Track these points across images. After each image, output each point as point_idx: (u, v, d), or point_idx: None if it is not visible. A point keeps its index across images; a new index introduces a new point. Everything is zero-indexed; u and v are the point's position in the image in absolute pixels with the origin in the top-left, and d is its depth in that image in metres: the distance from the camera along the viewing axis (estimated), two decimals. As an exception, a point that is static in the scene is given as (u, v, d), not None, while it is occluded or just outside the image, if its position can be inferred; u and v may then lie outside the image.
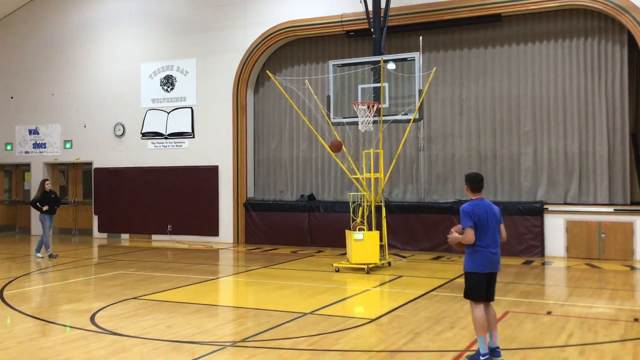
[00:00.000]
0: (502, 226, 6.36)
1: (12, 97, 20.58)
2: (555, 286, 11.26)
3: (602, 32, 14.43)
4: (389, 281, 11.27)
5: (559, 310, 8.72)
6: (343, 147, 12.89)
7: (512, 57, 15.19)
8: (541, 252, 14.09)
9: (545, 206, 14.31)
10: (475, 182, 6.35)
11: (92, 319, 8.16)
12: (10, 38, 20.59)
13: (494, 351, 6.11)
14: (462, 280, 11.23)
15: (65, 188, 20.30)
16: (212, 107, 17.70)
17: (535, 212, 14.19)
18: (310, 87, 14.15)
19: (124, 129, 18.87)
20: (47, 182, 14.57)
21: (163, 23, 18.39)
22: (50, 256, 14.24)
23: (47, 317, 8.33)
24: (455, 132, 15.64)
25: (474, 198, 6.31)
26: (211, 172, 17.63)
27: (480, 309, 6.18)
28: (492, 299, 6.35)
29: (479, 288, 6.21)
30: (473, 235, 6.12)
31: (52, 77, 19.87)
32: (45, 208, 14.19)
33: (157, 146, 18.43)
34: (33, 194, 20.02)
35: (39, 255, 14.34)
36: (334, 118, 13.40)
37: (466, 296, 6.35)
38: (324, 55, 16.79)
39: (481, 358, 6.01)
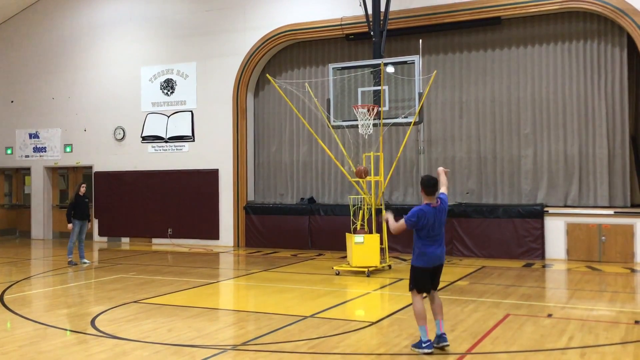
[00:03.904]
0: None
1: (12, 101, 20.59)
2: (555, 289, 11.26)
3: (602, 34, 14.44)
4: (390, 284, 11.26)
5: (559, 312, 8.71)
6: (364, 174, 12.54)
7: (511, 60, 15.21)
8: (541, 255, 14.09)
9: (546, 209, 14.31)
10: (428, 185, 6.70)
11: (92, 322, 8.15)
12: (11, 42, 20.62)
13: (440, 337, 6.59)
14: (462, 283, 11.28)
15: (65, 192, 20.31)
16: (212, 110, 17.71)
17: (536, 214, 14.18)
18: (310, 91, 14.16)
19: (124, 132, 18.88)
20: (82, 186, 14.01)
21: (163, 27, 18.42)
22: (70, 263, 13.74)
23: (48, 321, 8.33)
24: (455, 135, 15.65)
25: (426, 202, 6.71)
26: (211, 176, 17.63)
27: (420, 300, 6.67)
28: (436, 288, 6.87)
29: (424, 281, 6.72)
30: (401, 229, 6.72)
31: (53, 81, 19.88)
32: (69, 226, 13.67)
33: (157, 150, 18.44)
34: (33, 198, 20.21)
35: (85, 261, 13.96)
36: (334, 121, 13.41)
37: (411, 288, 6.78)
38: (324, 59, 16.80)
39: (423, 345, 6.50)
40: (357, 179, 12.71)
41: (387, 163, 14.95)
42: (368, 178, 12.63)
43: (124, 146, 18.90)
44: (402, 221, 6.69)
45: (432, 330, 6.77)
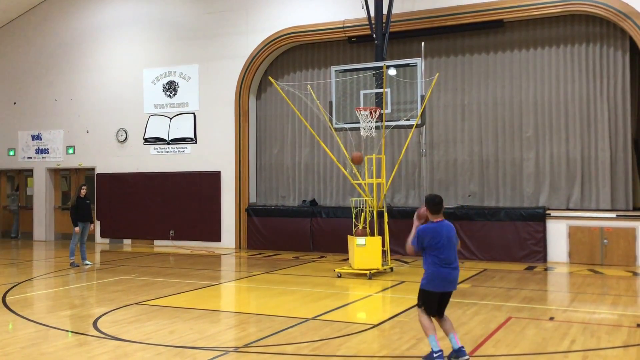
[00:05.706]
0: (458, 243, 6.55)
1: (15, 103, 20.63)
2: (557, 292, 11.25)
3: (604, 37, 14.44)
4: (391, 287, 11.26)
5: (561, 316, 8.71)
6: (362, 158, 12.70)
7: (514, 63, 15.21)
8: (544, 258, 14.08)
9: (548, 212, 14.31)
10: (433, 204, 6.39)
11: (94, 324, 8.16)
12: (14, 44, 20.66)
13: (459, 351, 6.29)
14: (464, 285, 11.26)
15: (67, 194, 20.32)
16: (214, 112, 17.73)
17: (538, 217, 14.18)
18: (312, 93, 14.17)
19: (126, 134, 18.90)
20: (83, 188, 13.94)
21: (166, 29, 18.45)
22: (72, 264, 13.76)
23: (50, 322, 8.33)
24: (457, 138, 15.65)
25: (434, 220, 6.37)
26: (213, 178, 17.65)
27: (425, 314, 6.38)
28: (442, 315, 6.46)
29: (431, 305, 6.36)
30: (412, 251, 6.40)
31: (55, 82, 19.92)
32: (77, 229, 13.59)
33: (159, 152, 18.46)
34: (36, 199, 20.23)
35: (87, 262, 13.93)
36: (336, 123, 13.42)
37: (419, 305, 6.46)
38: (326, 61, 16.82)
39: (435, 355, 6.20)
40: (357, 181, 12.72)
41: (389, 165, 14.96)
42: (369, 180, 12.64)
43: (126, 148, 18.92)
44: (410, 241, 6.42)
45: (442, 339, 6.59)
